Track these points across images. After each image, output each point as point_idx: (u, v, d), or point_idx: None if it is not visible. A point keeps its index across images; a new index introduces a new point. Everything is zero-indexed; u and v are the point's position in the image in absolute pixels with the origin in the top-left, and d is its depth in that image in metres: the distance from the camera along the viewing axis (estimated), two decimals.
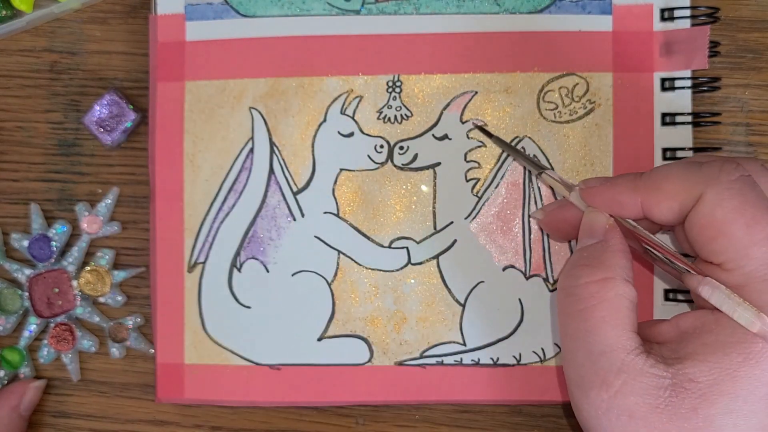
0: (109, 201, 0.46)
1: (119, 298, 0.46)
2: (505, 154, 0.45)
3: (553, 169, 0.44)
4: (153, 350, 0.46)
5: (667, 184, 0.36)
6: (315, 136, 0.45)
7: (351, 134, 0.45)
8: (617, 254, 0.37)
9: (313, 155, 0.45)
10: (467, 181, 0.45)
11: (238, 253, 0.45)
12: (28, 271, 0.46)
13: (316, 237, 0.45)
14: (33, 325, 0.46)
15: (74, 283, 0.46)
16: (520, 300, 0.45)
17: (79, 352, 0.46)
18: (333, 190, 0.45)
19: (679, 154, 0.44)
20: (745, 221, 0.34)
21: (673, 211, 0.36)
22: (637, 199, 0.37)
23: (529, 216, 0.45)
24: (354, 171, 0.45)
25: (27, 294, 0.46)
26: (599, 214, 0.38)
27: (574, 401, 0.37)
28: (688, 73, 0.44)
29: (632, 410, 0.34)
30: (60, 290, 0.46)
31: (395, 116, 0.45)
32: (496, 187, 0.45)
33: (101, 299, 0.46)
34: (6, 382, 0.46)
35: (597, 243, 0.38)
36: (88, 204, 0.46)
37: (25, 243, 0.46)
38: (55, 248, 0.46)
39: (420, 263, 0.45)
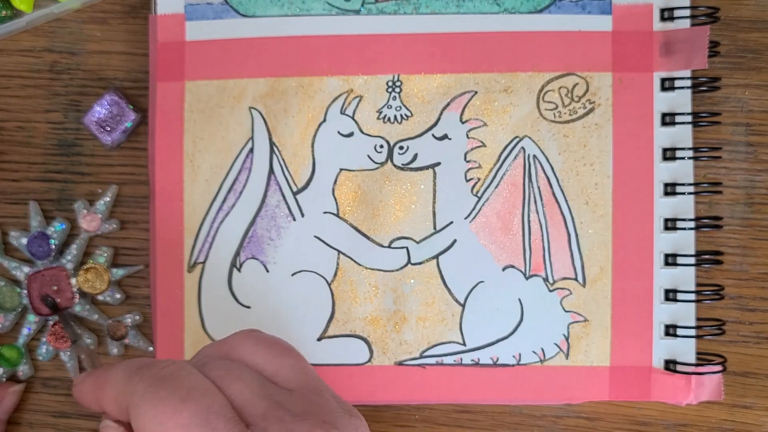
0: (108, 199, 0.46)
1: (118, 295, 0.46)
2: (505, 154, 0.45)
3: None
4: (152, 348, 0.46)
5: (110, 389, 0.32)
6: (315, 136, 0.45)
7: (351, 134, 0.45)
8: None
9: (312, 155, 0.45)
10: (467, 181, 0.45)
11: (237, 253, 0.45)
12: (26, 269, 0.46)
13: (315, 237, 0.45)
14: (31, 323, 0.46)
15: (73, 280, 0.46)
16: (519, 300, 0.45)
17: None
18: (333, 189, 0.45)
19: (679, 153, 0.44)
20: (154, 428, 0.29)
21: (123, 416, 0.32)
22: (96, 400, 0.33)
23: (529, 216, 0.45)
24: (354, 171, 0.45)
25: (25, 292, 0.46)
26: (110, 428, 0.33)
27: None
28: (687, 73, 0.44)
29: None
30: (58, 288, 0.46)
31: (395, 116, 0.45)
32: (496, 187, 0.45)
33: (99, 297, 0.46)
34: (5, 380, 0.46)
35: None
36: (87, 201, 0.46)
37: (24, 241, 0.46)
38: (53, 246, 0.46)
39: (420, 263, 0.45)
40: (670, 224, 0.44)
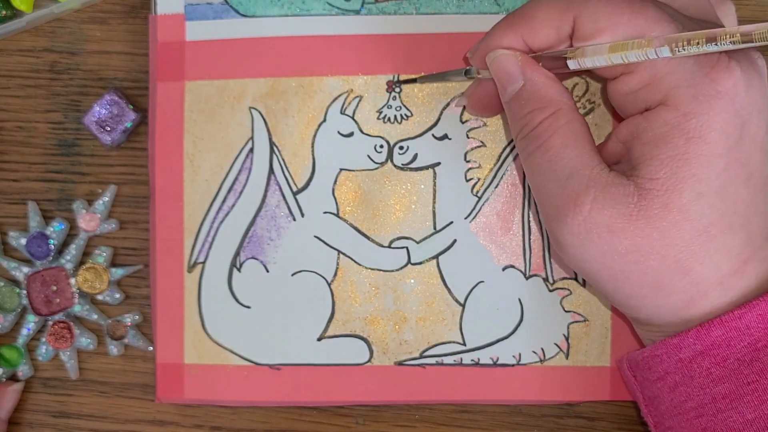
0: (107, 198, 0.46)
1: (117, 295, 0.46)
2: (505, 154, 0.45)
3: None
4: (151, 348, 0.46)
5: (540, 12, 0.36)
6: (315, 136, 0.45)
7: (351, 134, 0.45)
8: (548, 87, 0.37)
9: (312, 155, 0.45)
10: (467, 180, 0.45)
11: (237, 253, 0.45)
12: (25, 269, 0.46)
13: (315, 237, 0.45)
14: (31, 323, 0.46)
15: (72, 280, 0.46)
16: (519, 300, 0.45)
17: (78, 351, 0.46)
18: (333, 189, 0.45)
19: None
20: (627, 19, 0.34)
21: (550, 37, 0.36)
22: (518, 36, 0.37)
23: (529, 216, 0.45)
24: (354, 171, 0.45)
25: (25, 292, 0.46)
26: (503, 55, 0.38)
27: (555, 240, 0.36)
28: None
29: (610, 224, 0.34)
30: (58, 288, 0.46)
31: (395, 116, 0.45)
32: (496, 187, 0.45)
33: (99, 297, 0.46)
34: (4, 380, 0.46)
35: (524, 86, 0.37)
36: (86, 201, 0.46)
37: (23, 241, 0.46)
38: (52, 246, 0.46)
39: (420, 263, 0.45)
40: None
